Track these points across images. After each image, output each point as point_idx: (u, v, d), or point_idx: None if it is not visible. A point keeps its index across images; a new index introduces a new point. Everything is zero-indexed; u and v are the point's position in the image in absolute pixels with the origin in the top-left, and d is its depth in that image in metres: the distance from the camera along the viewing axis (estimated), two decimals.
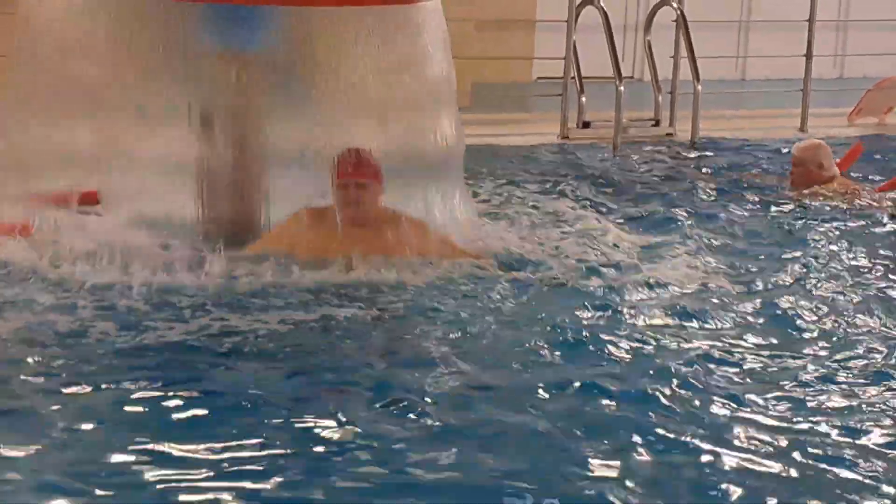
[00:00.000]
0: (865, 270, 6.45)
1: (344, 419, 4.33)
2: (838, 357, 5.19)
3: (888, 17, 12.56)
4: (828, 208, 7.77)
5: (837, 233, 7.16)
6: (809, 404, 4.70)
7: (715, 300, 5.82)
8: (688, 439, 4.30)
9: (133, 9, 5.94)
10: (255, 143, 6.22)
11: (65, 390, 4.55)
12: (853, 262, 6.58)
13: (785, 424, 4.51)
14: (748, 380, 4.92)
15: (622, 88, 10.02)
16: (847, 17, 13.73)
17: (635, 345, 5.20)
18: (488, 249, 6.29)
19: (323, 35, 6.10)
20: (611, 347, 5.14)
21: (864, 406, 4.69)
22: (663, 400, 4.63)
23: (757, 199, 8.04)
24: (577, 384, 4.70)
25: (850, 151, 8.76)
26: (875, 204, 7.89)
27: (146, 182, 6.23)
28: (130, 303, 5.46)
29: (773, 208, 7.82)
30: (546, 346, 5.11)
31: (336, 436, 4.22)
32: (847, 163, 8.60)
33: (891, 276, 6.35)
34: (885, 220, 7.50)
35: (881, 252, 6.82)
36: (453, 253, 6.07)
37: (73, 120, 6.10)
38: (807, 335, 5.48)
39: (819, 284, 6.15)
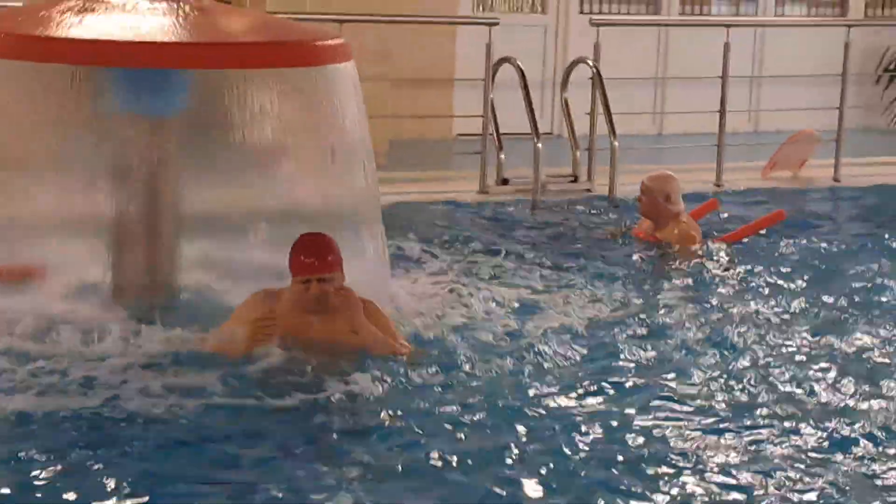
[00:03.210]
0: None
1: None
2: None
3: (800, 73, 12.78)
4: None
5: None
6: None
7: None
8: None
9: (44, 74, 5.87)
10: (168, 207, 6.18)
11: None
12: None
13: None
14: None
15: (540, 145, 10.08)
16: (761, 72, 13.96)
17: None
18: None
19: (235, 97, 6.08)
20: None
21: None
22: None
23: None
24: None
25: (705, 204, 9.01)
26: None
27: (60, 247, 6.17)
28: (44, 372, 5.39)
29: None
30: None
31: None
32: (699, 215, 8.80)
33: None
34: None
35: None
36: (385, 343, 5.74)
37: None
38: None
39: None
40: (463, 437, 4.89)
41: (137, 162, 6.09)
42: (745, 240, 8.48)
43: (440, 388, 5.41)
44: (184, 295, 6.32)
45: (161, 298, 6.22)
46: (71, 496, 4.28)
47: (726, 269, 7.80)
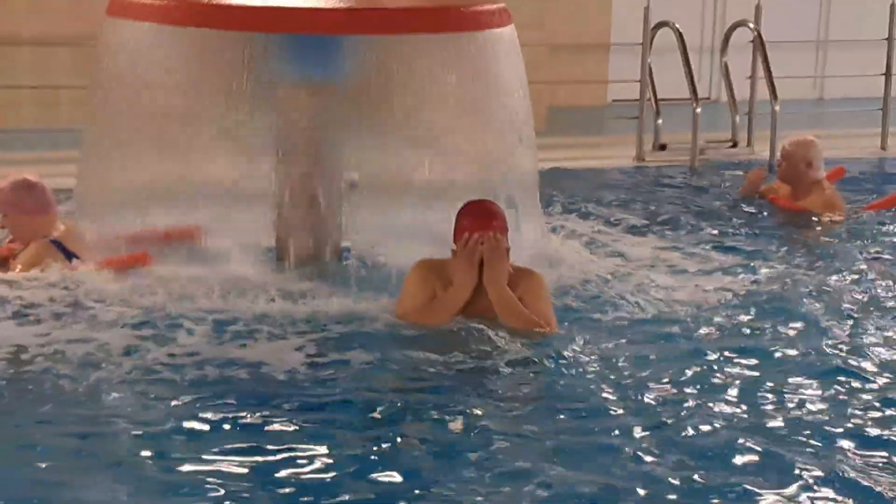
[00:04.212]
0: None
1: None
2: None
3: None
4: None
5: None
6: None
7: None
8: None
9: (212, 40, 5.98)
10: (333, 172, 6.26)
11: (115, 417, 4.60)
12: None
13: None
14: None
15: (699, 110, 9.96)
16: None
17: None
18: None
19: (400, 63, 6.13)
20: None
21: None
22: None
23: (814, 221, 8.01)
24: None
25: (832, 171, 8.76)
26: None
27: (228, 211, 6.29)
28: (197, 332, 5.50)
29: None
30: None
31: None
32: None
33: None
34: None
35: None
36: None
37: (154, 153, 6.18)
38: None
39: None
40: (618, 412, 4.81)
41: (302, 127, 6.17)
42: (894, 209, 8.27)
43: (587, 364, 5.28)
44: (346, 258, 6.40)
45: (324, 262, 6.30)
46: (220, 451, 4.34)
47: (875, 239, 7.56)
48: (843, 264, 6.99)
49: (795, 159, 8.17)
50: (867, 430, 4.68)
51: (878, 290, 6.48)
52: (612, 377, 5.12)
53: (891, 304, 6.25)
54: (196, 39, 5.92)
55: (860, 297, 6.36)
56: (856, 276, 6.74)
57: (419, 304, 5.57)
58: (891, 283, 6.61)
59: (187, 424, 4.53)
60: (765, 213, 8.22)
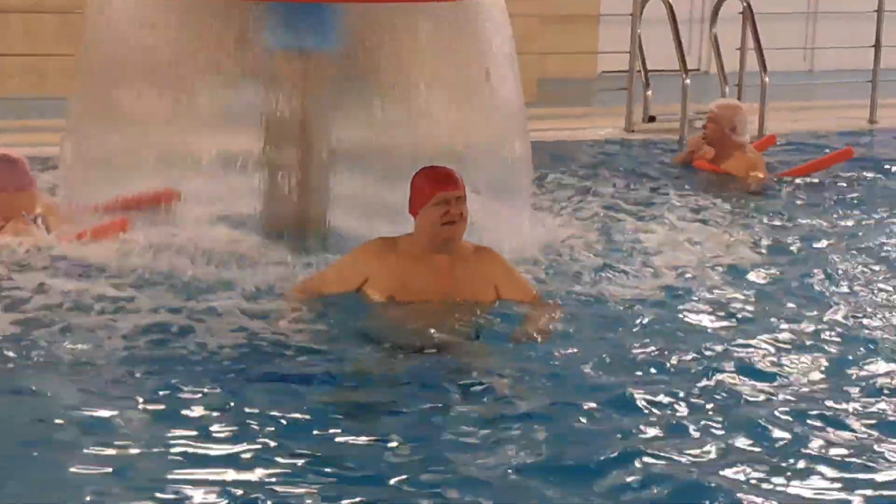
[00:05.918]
0: None
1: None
2: None
3: None
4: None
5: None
6: None
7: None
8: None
9: (199, 8, 5.97)
10: (319, 142, 6.25)
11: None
12: None
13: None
14: None
15: (688, 81, 9.96)
16: None
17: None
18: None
19: (386, 33, 6.12)
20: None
21: None
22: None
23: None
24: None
25: (763, 139, 8.93)
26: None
27: (212, 180, 6.28)
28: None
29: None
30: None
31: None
32: (757, 149, 8.68)
33: None
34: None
35: None
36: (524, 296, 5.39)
37: (139, 120, 6.17)
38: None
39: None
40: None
41: (290, 96, 6.16)
42: (814, 177, 8.37)
43: (569, 337, 5.18)
44: (333, 231, 6.39)
45: (311, 233, 6.30)
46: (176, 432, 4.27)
47: (790, 204, 7.66)
48: (754, 225, 7.08)
49: (721, 122, 8.28)
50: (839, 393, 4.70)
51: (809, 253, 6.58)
52: (587, 352, 5.03)
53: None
54: (184, 7, 5.91)
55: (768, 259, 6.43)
56: (766, 237, 6.84)
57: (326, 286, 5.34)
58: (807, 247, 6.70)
59: (149, 399, 4.46)
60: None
